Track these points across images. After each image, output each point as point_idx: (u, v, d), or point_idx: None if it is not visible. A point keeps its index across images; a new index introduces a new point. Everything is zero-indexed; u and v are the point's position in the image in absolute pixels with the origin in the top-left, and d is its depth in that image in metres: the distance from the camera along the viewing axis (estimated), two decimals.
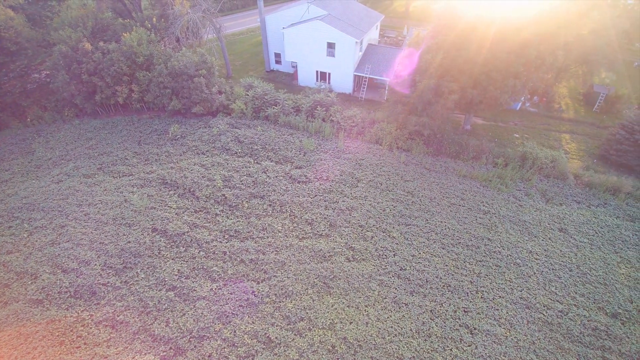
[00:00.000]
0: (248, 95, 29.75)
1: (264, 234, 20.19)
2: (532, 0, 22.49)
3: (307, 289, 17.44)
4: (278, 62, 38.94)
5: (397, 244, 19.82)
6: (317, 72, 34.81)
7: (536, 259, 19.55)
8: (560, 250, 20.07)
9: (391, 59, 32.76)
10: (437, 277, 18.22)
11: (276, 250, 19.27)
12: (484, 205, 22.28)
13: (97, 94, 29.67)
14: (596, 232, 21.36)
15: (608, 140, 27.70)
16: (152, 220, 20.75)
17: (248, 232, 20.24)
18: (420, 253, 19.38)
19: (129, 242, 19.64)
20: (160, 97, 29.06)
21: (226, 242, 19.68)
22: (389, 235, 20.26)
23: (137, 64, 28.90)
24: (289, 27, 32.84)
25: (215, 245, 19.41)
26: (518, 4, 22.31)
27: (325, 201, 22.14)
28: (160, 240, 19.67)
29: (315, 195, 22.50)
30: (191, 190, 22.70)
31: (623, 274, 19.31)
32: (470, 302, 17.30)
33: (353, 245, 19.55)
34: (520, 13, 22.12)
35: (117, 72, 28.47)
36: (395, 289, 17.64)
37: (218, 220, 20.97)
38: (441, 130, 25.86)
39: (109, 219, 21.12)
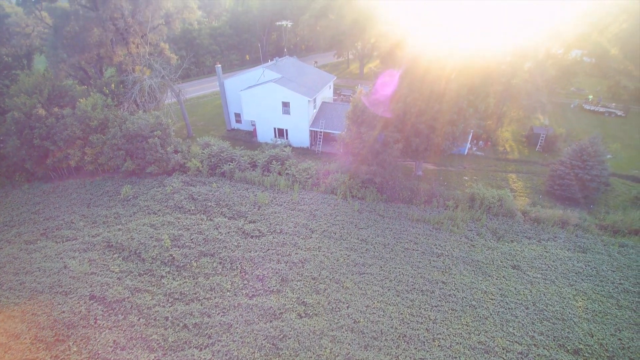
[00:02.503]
0: (204, 153, 30.07)
1: (211, 294, 19.15)
2: (462, 56, 24.78)
3: (253, 352, 16.23)
4: (238, 121, 40.22)
5: (350, 294, 19.18)
6: (274, 129, 36.13)
7: (491, 299, 19.28)
8: (515, 288, 19.95)
9: (343, 114, 34.51)
10: (392, 327, 17.49)
11: (223, 312, 18.15)
12: (437, 248, 22.29)
13: (49, 157, 29.26)
14: (549, 267, 21.53)
15: (551, 177, 29.19)
16: (91, 286, 19.42)
17: (194, 294, 19.14)
18: (374, 303, 18.75)
19: (63, 312, 18.19)
20: (114, 158, 28.89)
21: (169, 306, 18.45)
22: (343, 286, 19.66)
23: (91, 127, 29.04)
24: (246, 89, 34.59)
25: (157, 311, 18.13)
26: (448, 62, 24.52)
27: (277, 254, 21.58)
28: (98, 308, 18.27)
29: (268, 250, 21.95)
30: (137, 252, 21.69)
31: (580, 306, 19.17)
32: (427, 351, 16.51)
33: (305, 300, 18.75)
34: (451, 68, 24.30)
35: (70, 136, 28.41)
36: (349, 344, 16.70)
37: (163, 283, 19.84)
38: (393, 177, 26.61)
39: (45, 288, 19.74)
